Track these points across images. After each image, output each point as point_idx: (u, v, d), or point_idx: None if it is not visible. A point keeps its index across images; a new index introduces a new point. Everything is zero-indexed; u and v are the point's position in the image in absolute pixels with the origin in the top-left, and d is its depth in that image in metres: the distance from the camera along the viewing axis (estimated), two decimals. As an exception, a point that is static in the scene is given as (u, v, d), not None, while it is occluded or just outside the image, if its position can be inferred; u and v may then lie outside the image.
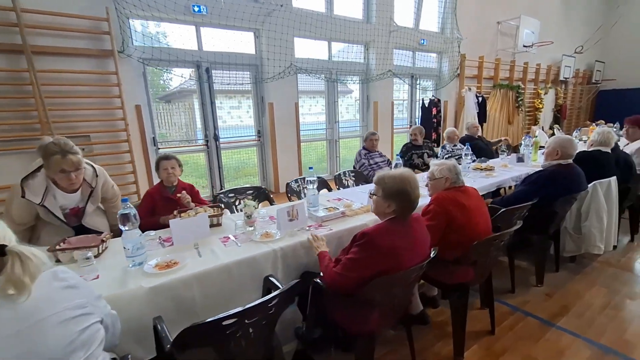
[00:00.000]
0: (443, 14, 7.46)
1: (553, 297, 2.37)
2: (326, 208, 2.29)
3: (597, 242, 2.62)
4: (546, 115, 10.42)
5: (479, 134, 7.81)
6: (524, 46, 8.45)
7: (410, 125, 7.66)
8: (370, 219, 2.05)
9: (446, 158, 4.34)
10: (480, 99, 8.09)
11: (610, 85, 12.17)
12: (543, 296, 2.39)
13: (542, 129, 8.67)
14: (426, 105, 7.52)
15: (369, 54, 6.48)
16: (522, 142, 3.80)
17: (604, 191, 2.66)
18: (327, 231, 1.93)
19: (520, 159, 3.65)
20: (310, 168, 2.24)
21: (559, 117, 10.85)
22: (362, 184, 3.53)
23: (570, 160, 2.39)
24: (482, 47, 8.26)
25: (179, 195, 2.34)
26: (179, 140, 4.88)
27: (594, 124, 6.89)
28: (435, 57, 7.77)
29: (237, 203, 2.78)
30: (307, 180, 2.21)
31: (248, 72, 5.25)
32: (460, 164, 3.36)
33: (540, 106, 9.92)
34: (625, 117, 3.50)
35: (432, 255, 1.50)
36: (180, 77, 4.66)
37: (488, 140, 5.16)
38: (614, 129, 6.97)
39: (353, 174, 3.42)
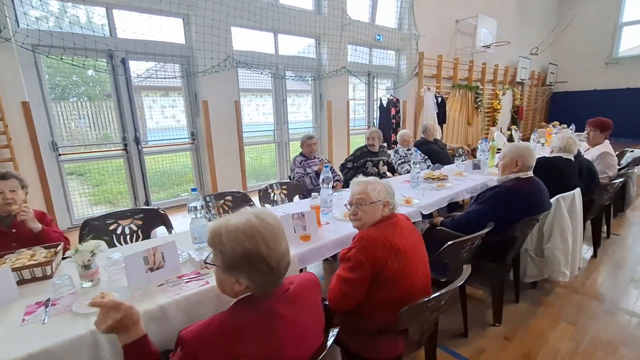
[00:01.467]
0: (400, 9, 7.09)
1: (513, 341, 1.94)
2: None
3: (562, 268, 2.22)
4: (504, 116, 10.44)
5: (436, 136, 7.59)
6: (482, 46, 8.30)
7: (369, 126, 7.26)
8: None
9: (399, 164, 3.89)
10: (439, 99, 7.83)
11: (563, 87, 12.52)
12: (501, 340, 1.95)
13: (500, 131, 8.59)
14: (384, 105, 7.12)
15: (321, 48, 5.95)
16: (479, 147, 3.41)
17: (568, 206, 2.28)
18: (198, 287, 1.31)
19: (476, 166, 3.25)
20: (193, 190, 1.64)
21: (516, 118, 10.93)
22: (300, 198, 2.97)
23: (531, 173, 1.96)
24: (441, 45, 8.01)
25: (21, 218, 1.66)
26: (87, 145, 4.07)
27: (550, 125, 6.81)
28: (394, 55, 7.39)
29: (120, 231, 2.11)
30: (190, 207, 1.61)
31: (177, 65, 4.54)
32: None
33: (499, 107, 9.89)
34: (588, 119, 3.21)
35: (328, 343, 0.94)
36: (82, 69, 3.86)
37: (444, 144, 4.80)
38: (570, 130, 6.94)
39: (285, 186, 2.85)
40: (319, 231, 1.81)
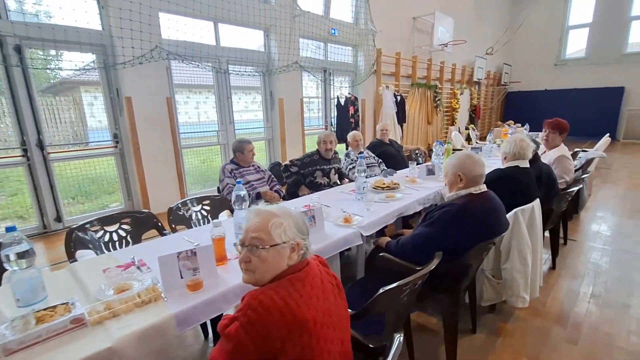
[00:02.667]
0: (356, 2, 6.76)
1: (469, 389, 1.61)
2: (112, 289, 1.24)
3: (521, 292, 1.93)
4: (462, 115, 10.51)
5: (391, 137, 7.36)
6: (439, 44, 8.19)
7: (326, 126, 6.88)
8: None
9: (350, 169, 3.51)
10: (398, 97, 7.61)
11: (517, 87, 12.90)
12: (456, 389, 1.61)
13: (459, 130, 8.55)
14: (342, 104, 6.76)
15: (270, 41, 5.46)
16: (434, 149, 3.11)
17: (527, 220, 1.99)
18: None
19: (430, 171, 2.93)
20: (9, 229, 1.10)
21: (474, 117, 11.06)
22: (225, 216, 2.48)
23: (484, 187, 1.63)
24: (399, 43, 7.80)
25: None
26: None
27: (505, 124, 6.79)
28: (351, 51, 7.05)
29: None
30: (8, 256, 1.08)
31: (94, 55, 3.87)
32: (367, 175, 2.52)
33: (457, 106, 9.92)
34: (545, 120, 3.00)
35: None
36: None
37: (400, 145, 4.51)
38: (525, 130, 6.97)
39: (207, 201, 2.35)
40: (219, 272, 1.35)
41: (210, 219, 2.34)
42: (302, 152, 6.19)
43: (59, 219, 3.79)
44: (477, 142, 5.89)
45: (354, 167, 3.49)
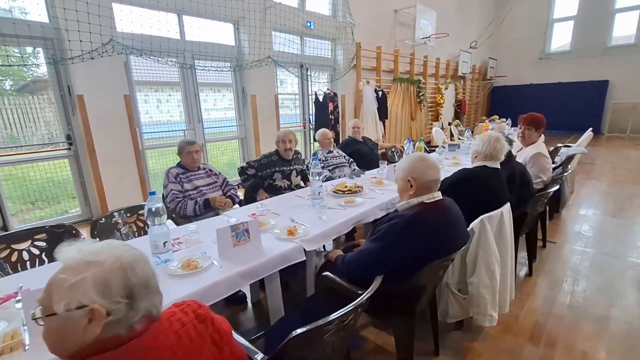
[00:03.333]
0: (333, -6, 6.50)
1: None
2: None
3: (489, 310, 1.73)
4: (447, 110, 10.35)
5: (371, 133, 7.15)
6: (422, 38, 7.98)
7: (304, 124, 6.62)
8: None
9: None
10: (380, 93, 7.39)
11: (503, 81, 12.80)
12: None
13: (442, 127, 8.38)
14: (320, 100, 6.51)
15: (240, 34, 5.18)
16: (405, 148, 2.89)
17: (495, 228, 1.78)
18: None
19: (399, 172, 2.72)
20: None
21: (459, 112, 10.92)
22: (165, 226, 2.22)
23: (437, 195, 1.41)
24: (380, 37, 7.57)
25: None
26: None
27: (487, 120, 6.61)
28: (329, 45, 6.80)
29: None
30: None
31: (40, 49, 3.55)
32: (329, 177, 2.28)
33: (442, 101, 9.75)
34: (520, 115, 2.79)
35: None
36: None
37: (375, 143, 4.28)
38: (507, 125, 6.82)
39: (142, 211, 2.10)
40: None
41: (45, 259, 2.05)
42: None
43: (5, 227, 3.49)
44: (459, 139, 5.69)
45: (321, 168, 3.26)
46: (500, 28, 11.95)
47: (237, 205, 2.64)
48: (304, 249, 1.58)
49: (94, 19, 3.56)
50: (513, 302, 2.18)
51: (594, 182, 5.21)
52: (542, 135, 2.81)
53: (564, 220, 3.69)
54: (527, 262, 2.59)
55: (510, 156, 2.24)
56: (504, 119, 10.15)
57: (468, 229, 1.70)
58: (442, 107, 9.82)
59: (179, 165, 2.46)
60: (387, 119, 7.73)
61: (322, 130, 3.44)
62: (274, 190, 2.73)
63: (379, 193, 2.41)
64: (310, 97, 6.47)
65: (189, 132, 4.84)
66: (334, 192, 2.38)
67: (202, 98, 4.97)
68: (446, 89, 9.96)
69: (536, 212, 2.30)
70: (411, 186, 1.38)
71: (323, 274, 1.43)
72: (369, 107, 7.08)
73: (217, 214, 2.27)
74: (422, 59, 8.90)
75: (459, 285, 1.83)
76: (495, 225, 1.78)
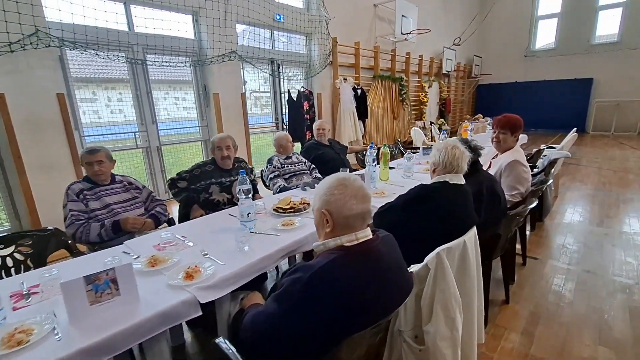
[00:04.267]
0: (306, -15, 6.09)
1: None
2: None
3: (448, 367, 1.36)
4: (432, 109, 10.06)
5: (350, 134, 6.77)
6: (402, 33, 7.63)
7: (277, 125, 6.20)
8: None
9: (271, 179, 2.87)
10: (359, 91, 7.02)
11: (488, 79, 12.58)
12: None
13: (424, 126, 8.05)
14: (294, 99, 6.11)
15: (200, 26, 4.73)
16: (366, 154, 2.50)
17: (457, 262, 1.41)
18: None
19: (358, 183, 2.35)
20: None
21: (443, 111, 10.64)
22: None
23: (365, 234, 1.02)
24: (359, 32, 7.18)
25: None
26: None
27: (467, 120, 6.26)
28: (304, 40, 6.39)
29: None
30: None
31: (-50, 41, 3.06)
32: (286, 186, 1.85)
33: (425, 100, 9.44)
34: (496, 116, 2.44)
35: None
36: None
37: (345, 146, 3.91)
38: (488, 125, 6.51)
39: (29, 240, 1.65)
40: None
41: (31, 265, 1.66)
42: (247, 154, 5.52)
43: None
44: (440, 140, 5.30)
45: (276, 177, 2.86)
46: (484, 25, 11.70)
47: (165, 225, 2.22)
48: (199, 302, 1.17)
49: (11, 5, 3.08)
50: (486, 341, 1.83)
51: (578, 185, 4.94)
52: (519, 140, 2.46)
53: (547, 230, 3.37)
54: (503, 286, 2.24)
55: (476, 167, 1.88)
56: (487, 119, 9.92)
57: (422, 264, 1.33)
58: (426, 105, 9.51)
59: (85, 179, 2.02)
60: (367, 118, 7.37)
61: (279, 133, 3.03)
62: (212, 206, 2.32)
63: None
64: (283, 95, 6.05)
65: (141, 134, 4.39)
66: (275, 210, 1.99)
67: (159, 96, 4.53)
68: (430, 87, 9.66)
69: (511, 232, 1.95)
70: (327, 221, 0.99)
71: (215, 340, 1.04)
72: (347, 105, 6.70)
73: (133, 237, 1.87)
74: (404, 55, 8.56)
75: (415, 332, 1.46)
76: (456, 259, 1.41)
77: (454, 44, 10.21)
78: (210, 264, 1.35)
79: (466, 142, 1.94)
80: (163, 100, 4.73)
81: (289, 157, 3.03)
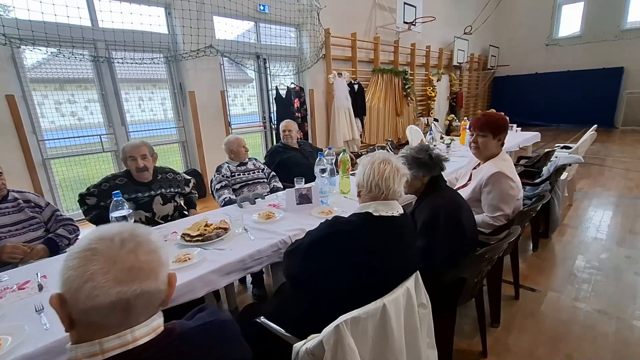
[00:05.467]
0: (295, -28, 5.64)
1: None
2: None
3: None
4: (440, 104, 9.42)
5: (345, 133, 6.22)
6: (405, 22, 7.05)
7: (264, 124, 5.81)
8: None
9: (217, 190, 2.48)
10: (356, 86, 6.54)
11: (505, 71, 11.72)
12: None
13: (428, 122, 7.45)
14: (283, 96, 5.70)
15: (173, 19, 4.39)
16: (323, 160, 2.06)
17: (373, 336, 0.97)
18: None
19: (304, 198, 1.90)
20: None
21: (455, 106, 9.95)
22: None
23: (140, 334, 0.59)
24: (356, 22, 6.68)
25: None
26: None
27: (465, 118, 5.53)
28: (294, 32, 5.96)
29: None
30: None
31: None
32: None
33: (433, 94, 8.81)
34: (472, 118, 1.95)
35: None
36: None
37: (317, 149, 3.46)
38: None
39: None
40: None
41: None
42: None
43: None
44: (426, 141, 4.61)
45: (224, 187, 2.47)
46: (501, 13, 10.86)
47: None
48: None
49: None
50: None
51: (600, 191, 4.29)
52: (504, 146, 1.94)
53: (553, 250, 2.82)
54: (479, 334, 1.75)
55: (436, 186, 1.41)
56: (502, 113, 9.17)
57: (316, 341, 0.91)
58: (433, 100, 8.88)
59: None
60: (365, 115, 6.88)
61: (229, 138, 2.64)
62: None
63: (265, 232, 1.62)
64: (270, 92, 5.66)
65: (108, 136, 4.10)
66: (182, 237, 1.59)
67: (130, 96, 4.24)
68: (439, 80, 9.01)
69: (482, 273, 1.47)
70: (62, 317, 0.58)
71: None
72: (342, 102, 6.23)
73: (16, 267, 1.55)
74: (408, 47, 7.97)
75: None
76: (371, 332, 0.96)
77: (464, 33, 9.48)
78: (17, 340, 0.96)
79: (425, 151, 1.48)
80: (139, 100, 4.43)
81: (242, 164, 2.64)
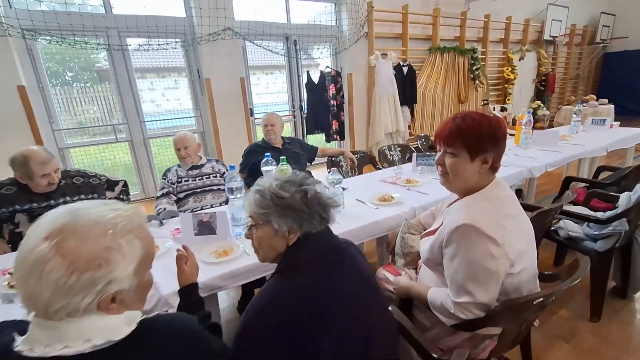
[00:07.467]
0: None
1: None
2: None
3: None
4: (522, 88, 7.75)
5: (388, 124, 5.26)
6: (474, -12, 5.77)
7: (293, 114, 5.34)
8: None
9: (157, 197, 2.11)
10: (405, 69, 5.62)
11: (622, 45, 9.15)
12: None
13: (494, 110, 6.11)
14: (315, 82, 5.15)
15: (189, 2, 4.13)
16: (235, 178, 1.51)
17: None
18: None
19: (205, 227, 1.38)
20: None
21: (543, 90, 8.12)
22: None
23: None
24: (410, -8, 5.66)
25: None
26: None
27: (523, 109, 4.02)
28: (333, 8, 5.27)
29: None
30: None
31: None
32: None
33: (512, 77, 7.25)
34: (437, 128, 1.13)
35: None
36: None
37: (310, 148, 2.84)
38: (609, 117, 4.39)
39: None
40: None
41: None
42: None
43: None
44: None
45: (163, 195, 2.09)
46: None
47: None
48: None
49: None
50: None
51: None
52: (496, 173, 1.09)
53: (629, 319, 1.81)
54: None
55: (305, 249, 0.77)
56: (605, 100, 7.23)
57: None
58: (512, 84, 7.32)
59: None
60: (415, 103, 5.91)
61: (179, 135, 2.21)
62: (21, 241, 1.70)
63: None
64: (300, 77, 5.14)
65: (122, 126, 4.09)
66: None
67: (146, 86, 4.17)
68: (521, 59, 7.38)
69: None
70: None
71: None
72: (385, 88, 5.39)
73: None
74: (480, 19, 6.58)
75: None
76: None
77: (563, -2, 7.53)
78: None
79: (297, 185, 0.84)
80: (154, 90, 4.34)
81: (195, 167, 2.21)
